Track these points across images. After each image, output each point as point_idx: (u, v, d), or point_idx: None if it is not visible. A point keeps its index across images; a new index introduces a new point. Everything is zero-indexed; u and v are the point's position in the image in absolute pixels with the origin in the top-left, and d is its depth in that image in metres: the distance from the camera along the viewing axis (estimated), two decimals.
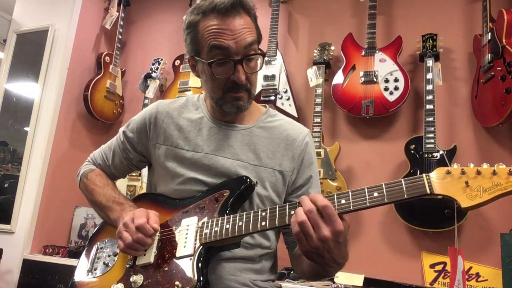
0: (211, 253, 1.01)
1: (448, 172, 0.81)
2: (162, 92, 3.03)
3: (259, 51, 1.09)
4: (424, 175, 0.82)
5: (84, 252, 1.21)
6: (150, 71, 2.99)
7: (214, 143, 1.14)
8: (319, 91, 2.44)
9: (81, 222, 2.93)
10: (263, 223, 0.93)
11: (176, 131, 1.18)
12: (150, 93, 2.92)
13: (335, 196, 0.87)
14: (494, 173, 0.77)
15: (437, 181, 0.81)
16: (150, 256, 1.03)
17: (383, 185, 0.84)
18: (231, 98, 1.09)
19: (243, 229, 0.95)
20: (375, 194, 0.84)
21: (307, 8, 2.84)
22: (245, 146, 1.15)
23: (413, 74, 2.45)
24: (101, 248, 1.17)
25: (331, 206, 0.83)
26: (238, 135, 1.16)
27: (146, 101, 2.91)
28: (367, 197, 0.84)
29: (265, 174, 1.13)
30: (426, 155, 2.13)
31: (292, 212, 0.90)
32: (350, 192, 0.86)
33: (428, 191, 0.80)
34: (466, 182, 0.78)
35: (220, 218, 1.00)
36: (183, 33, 1.14)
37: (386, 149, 2.42)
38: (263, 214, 0.94)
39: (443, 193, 0.79)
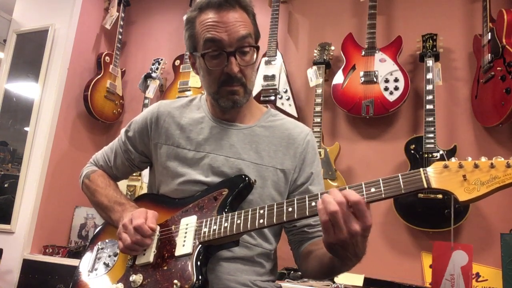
0: (210, 251, 1.01)
1: (446, 166, 0.79)
2: (162, 92, 3.03)
3: (253, 45, 1.10)
4: (421, 169, 0.80)
5: (85, 253, 1.21)
6: (150, 71, 2.99)
7: (215, 143, 1.14)
8: (319, 91, 2.44)
9: (81, 222, 2.93)
10: (261, 221, 0.93)
11: (177, 131, 1.18)
12: (150, 93, 2.92)
13: None
14: (491, 166, 0.76)
15: (434, 175, 0.80)
16: (149, 256, 1.03)
17: (380, 180, 0.83)
18: (226, 92, 1.10)
19: (241, 227, 0.95)
20: (372, 189, 0.83)
21: (307, 8, 2.84)
22: (247, 145, 1.14)
23: (413, 74, 2.44)
24: (101, 248, 1.17)
25: (363, 201, 0.81)
26: (239, 134, 1.16)
27: (146, 101, 2.91)
28: (364, 192, 0.83)
29: (267, 173, 1.13)
30: (426, 155, 2.13)
31: (290, 209, 0.90)
32: (347, 187, 0.85)
33: (426, 185, 0.79)
34: (464, 176, 0.77)
35: (218, 216, 1.00)
36: (184, 31, 1.15)
37: (386, 149, 2.42)
38: (261, 212, 0.94)
39: (440, 187, 0.78)
